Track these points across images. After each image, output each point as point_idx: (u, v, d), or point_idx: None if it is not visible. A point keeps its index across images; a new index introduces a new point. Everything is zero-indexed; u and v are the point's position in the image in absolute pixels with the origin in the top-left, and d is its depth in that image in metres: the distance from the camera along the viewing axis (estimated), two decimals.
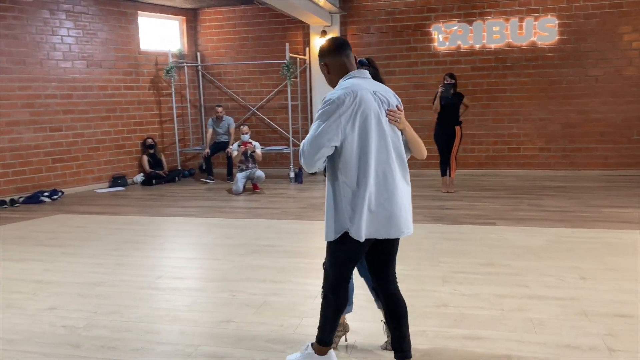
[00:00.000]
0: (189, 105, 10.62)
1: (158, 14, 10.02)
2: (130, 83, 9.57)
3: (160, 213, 6.95)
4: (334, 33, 9.72)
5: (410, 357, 2.62)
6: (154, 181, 9.39)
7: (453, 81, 7.56)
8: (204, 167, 9.81)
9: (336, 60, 2.47)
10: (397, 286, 2.65)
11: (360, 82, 2.41)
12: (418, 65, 9.62)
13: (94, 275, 4.47)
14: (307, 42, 10.03)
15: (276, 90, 10.12)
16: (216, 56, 10.59)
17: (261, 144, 9.93)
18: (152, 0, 9.53)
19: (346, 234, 2.41)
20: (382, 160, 2.38)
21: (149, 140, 9.66)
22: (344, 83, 2.43)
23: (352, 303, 3.00)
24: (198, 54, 10.63)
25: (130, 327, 3.40)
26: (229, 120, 9.55)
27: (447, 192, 7.83)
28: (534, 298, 3.67)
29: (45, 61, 8.32)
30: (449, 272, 4.26)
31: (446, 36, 9.44)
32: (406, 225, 2.47)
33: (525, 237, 5.26)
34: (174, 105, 10.10)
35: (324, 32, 9.77)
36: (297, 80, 9.98)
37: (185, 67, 10.41)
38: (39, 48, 8.23)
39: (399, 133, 2.49)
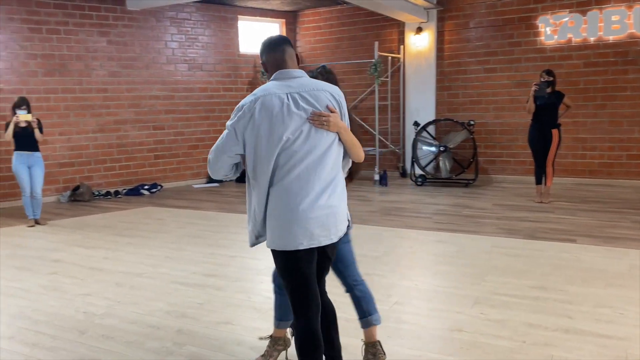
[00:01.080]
0: None
1: (258, 18, 10.38)
2: (229, 85, 10.04)
3: (235, 209, 7.17)
4: (430, 30, 9.27)
5: None
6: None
7: (551, 79, 6.77)
8: None
9: (271, 58, 2.29)
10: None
11: (274, 85, 2.22)
12: (522, 61, 8.79)
13: (141, 266, 4.73)
14: (402, 40, 9.69)
15: (369, 90, 9.92)
16: (313, 57, 10.68)
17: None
18: (252, 5, 9.90)
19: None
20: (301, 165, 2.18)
21: None
22: (262, 86, 2.27)
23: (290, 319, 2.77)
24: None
25: (139, 319, 3.52)
26: None
27: (541, 202, 7.03)
28: (571, 332, 3.11)
29: (151, 65, 9.06)
30: (488, 293, 3.79)
31: (555, 29, 8.48)
32: (337, 230, 2.28)
33: (604, 260, 4.51)
34: None
35: (419, 29, 9.37)
36: (388, 79, 9.69)
37: None
38: (145, 52, 8.98)
39: (330, 136, 2.22)
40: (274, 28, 10.71)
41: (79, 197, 8.15)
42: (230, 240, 5.60)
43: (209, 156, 2.32)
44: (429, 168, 9.16)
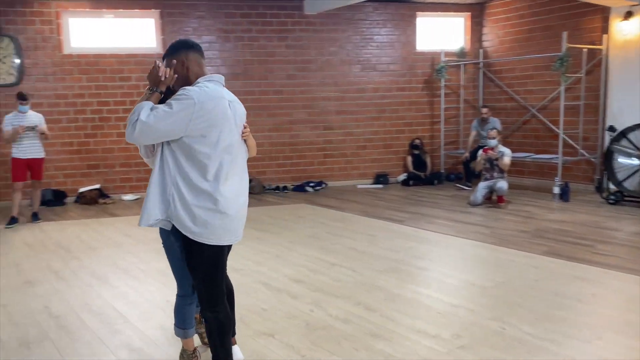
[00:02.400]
0: (461, 105, 10.08)
1: (439, 13, 9.83)
2: (402, 84, 9.76)
3: (375, 214, 6.95)
4: None
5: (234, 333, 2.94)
6: (411, 182, 9.37)
7: None
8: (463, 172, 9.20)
9: (193, 57, 2.53)
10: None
11: (217, 88, 2.49)
12: None
13: (246, 262, 4.91)
14: (605, 29, 8.08)
15: (561, 88, 8.53)
16: (500, 52, 9.67)
17: (539, 151, 8.70)
18: (434, 0, 9.45)
19: None
20: (231, 165, 2.52)
21: (416, 141, 9.66)
22: (209, 86, 2.46)
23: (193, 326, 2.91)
24: (481, 50, 9.94)
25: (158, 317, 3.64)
26: (495, 123, 8.63)
27: None
28: None
29: (325, 67, 9.34)
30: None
31: None
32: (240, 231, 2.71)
33: None
34: (442, 106, 9.77)
35: (628, 14, 7.68)
36: (582, 75, 8.18)
37: (462, 66, 9.90)
38: (320, 55, 9.30)
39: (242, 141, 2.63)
40: (457, 23, 10.02)
41: (250, 190, 8.87)
42: (341, 245, 5.43)
43: (139, 117, 2.36)
44: (630, 184, 7.47)
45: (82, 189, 8.44)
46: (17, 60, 8.06)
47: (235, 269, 4.69)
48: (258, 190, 8.86)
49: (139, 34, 8.68)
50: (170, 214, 2.48)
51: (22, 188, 6.91)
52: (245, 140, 2.70)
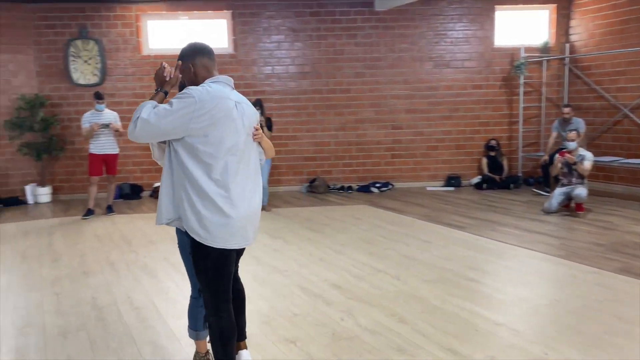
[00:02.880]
0: (543, 104, 9.35)
1: (520, 6, 9.19)
2: (478, 82, 9.25)
3: (438, 219, 6.62)
4: None
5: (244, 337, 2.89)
6: (484, 185, 8.86)
7: None
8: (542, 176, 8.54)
9: (201, 62, 2.52)
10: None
11: (222, 89, 2.46)
12: None
13: (291, 263, 4.86)
14: None
15: None
16: (590, 46, 8.86)
17: (630, 155, 7.92)
18: None
19: None
20: (235, 168, 2.48)
21: (492, 142, 9.13)
22: (212, 86, 2.44)
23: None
24: (567, 45, 9.17)
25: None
26: (579, 124, 7.91)
27: None
28: None
29: (395, 64, 9.07)
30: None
31: None
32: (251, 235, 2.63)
33: None
34: (521, 105, 9.12)
35: None
36: None
37: (545, 62, 9.18)
38: (390, 52, 9.05)
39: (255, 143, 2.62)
40: (541, 15, 9.32)
41: (314, 189, 8.86)
42: (394, 251, 5.20)
43: (142, 115, 2.38)
44: None
45: (156, 184, 8.84)
46: (101, 62, 8.59)
47: (279, 270, 4.65)
48: (322, 190, 8.80)
49: (212, 35, 8.92)
50: (181, 214, 2.47)
51: (98, 182, 7.36)
52: (259, 143, 2.64)
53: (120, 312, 3.82)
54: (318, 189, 8.81)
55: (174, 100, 2.37)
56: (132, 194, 8.75)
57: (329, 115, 9.10)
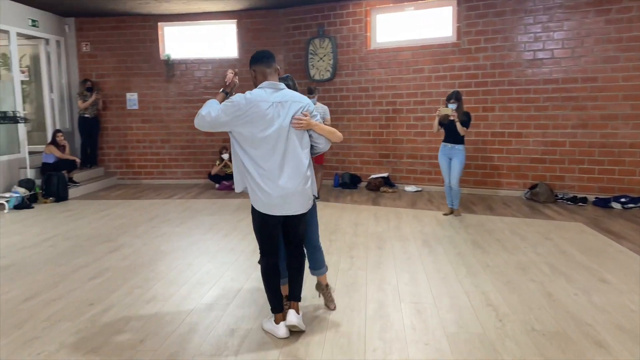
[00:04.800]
0: None
1: None
2: None
3: None
4: None
5: (298, 299, 3.38)
6: None
7: None
8: None
9: (258, 69, 3.14)
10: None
11: (261, 93, 3.07)
12: None
13: (398, 275, 4.37)
14: None
15: None
16: None
17: None
18: None
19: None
20: (266, 154, 3.06)
21: None
22: (253, 92, 3.09)
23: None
24: None
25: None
26: None
27: None
28: None
29: None
30: None
31: None
32: (300, 206, 3.16)
33: None
34: None
35: None
36: None
37: None
38: None
39: (301, 133, 3.13)
40: None
41: (534, 196, 7.55)
42: (540, 290, 4.06)
43: (202, 112, 3.11)
44: None
45: (373, 176, 9.03)
46: (333, 58, 9.18)
47: (383, 281, 4.25)
48: (544, 198, 7.43)
49: (435, 25, 8.47)
50: None
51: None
52: (314, 130, 3.19)
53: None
54: (539, 197, 7.48)
55: (225, 103, 3.09)
56: (350, 184, 9.14)
57: (566, 110, 7.57)
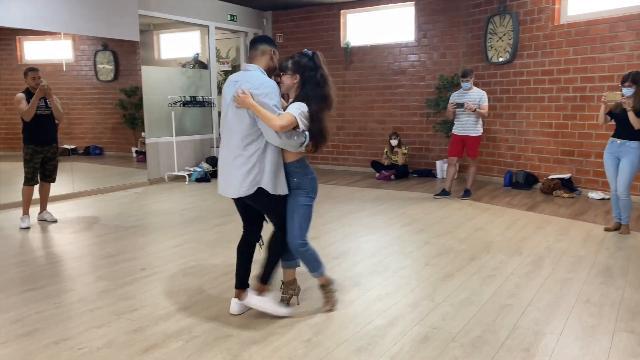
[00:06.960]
0: None
1: None
2: None
3: None
4: None
5: (263, 282, 3.25)
6: None
7: None
8: None
9: (249, 53, 3.15)
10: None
11: (236, 74, 3.10)
12: None
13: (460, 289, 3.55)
14: None
15: None
16: None
17: None
18: None
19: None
20: (225, 134, 3.06)
21: None
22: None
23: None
24: None
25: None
26: None
27: None
28: None
29: None
30: None
31: None
32: (233, 188, 3.02)
33: None
34: None
35: None
36: None
37: None
38: None
39: (243, 112, 2.95)
40: None
41: None
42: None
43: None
44: None
45: (550, 176, 7.58)
46: (513, 37, 7.95)
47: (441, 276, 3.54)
48: None
49: None
50: None
51: (457, 163, 7.16)
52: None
53: None
54: None
55: None
56: (525, 184, 7.83)
57: None
